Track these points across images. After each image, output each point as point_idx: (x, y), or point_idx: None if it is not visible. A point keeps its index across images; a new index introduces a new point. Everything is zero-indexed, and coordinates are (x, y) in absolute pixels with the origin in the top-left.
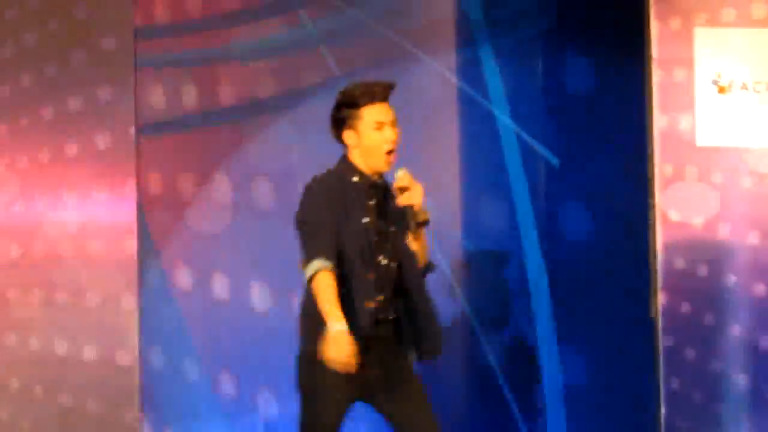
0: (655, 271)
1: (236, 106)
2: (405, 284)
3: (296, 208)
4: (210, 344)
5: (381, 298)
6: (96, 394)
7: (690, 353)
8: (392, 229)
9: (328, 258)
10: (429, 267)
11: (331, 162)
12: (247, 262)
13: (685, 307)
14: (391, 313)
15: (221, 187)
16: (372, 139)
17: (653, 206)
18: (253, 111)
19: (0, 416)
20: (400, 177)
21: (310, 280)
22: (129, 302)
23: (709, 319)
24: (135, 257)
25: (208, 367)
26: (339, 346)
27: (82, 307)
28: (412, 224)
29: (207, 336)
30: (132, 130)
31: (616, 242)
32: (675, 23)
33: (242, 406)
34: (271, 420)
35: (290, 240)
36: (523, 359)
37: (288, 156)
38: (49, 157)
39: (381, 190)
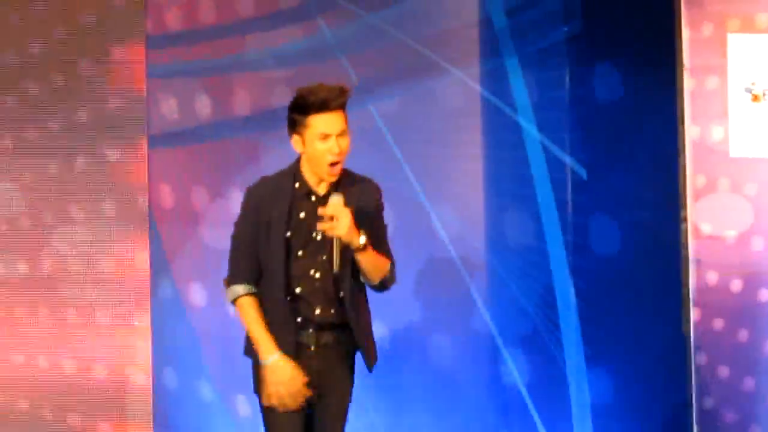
0: (687, 286)
1: (251, 116)
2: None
3: None
4: (224, 362)
5: (317, 311)
6: (107, 415)
7: (723, 371)
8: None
9: (247, 282)
10: (385, 281)
11: (358, 172)
12: None
13: (718, 324)
14: (335, 319)
15: (236, 199)
16: (316, 149)
17: (684, 219)
18: (269, 122)
19: None
20: (331, 204)
21: (232, 303)
22: (141, 319)
23: (743, 335)
24: (147, 272)
25: (223, 386)
26: (277, 376)
27: (93, 324)
28: (337, 255)
29: (221, 353)
30: (144, 142)
31: (646, 256)
32: (707, 29)
33: (258, 427)
34: None
35: None
36: (549, 377)
37: None
38: (58, 170)
39: (324, 199)
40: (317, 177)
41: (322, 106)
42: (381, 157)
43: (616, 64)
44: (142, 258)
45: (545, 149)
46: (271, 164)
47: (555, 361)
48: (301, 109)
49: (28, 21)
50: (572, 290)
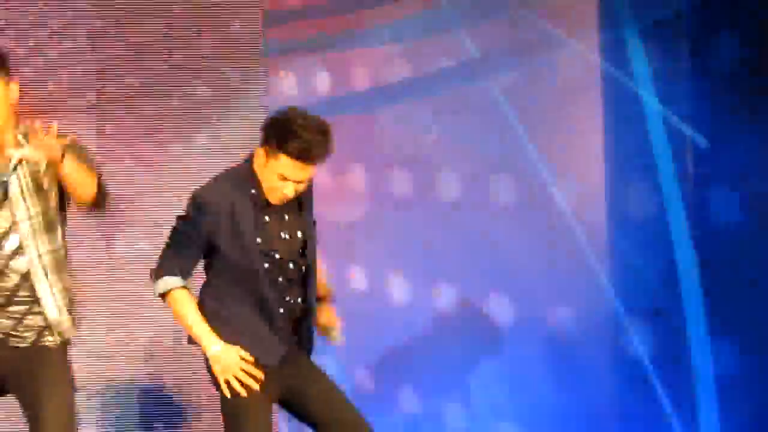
0: None
1: (370, 91)
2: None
3: (434, 195)
4: (347, 338)
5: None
6: None
7: None
8: (285, 236)
9: (183, 276)
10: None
11: (469, 148)
12: (384, 253)
13: None
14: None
15: (357, 175)
16: (272, 182)
17: None
18: (387, 97)
19: None
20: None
21: (163, 295)
22: None
23: None
24: None
25: (345, 362)
26: (226, 362)
27: None
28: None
29: (344, 329)
30: (263, 119)
31: None
32: None
33: (381, 402)
34: (411, 416)
35: (429, 229)
36: (672, 349)
37: (425, 142)
38: (178, 148)
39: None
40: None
41: (300, 156)
42: (500, 131)
43: (737, 33)
44: None
45: (666, 121)
46: (390, 139)
47: (678, 333)
48: (279, 141)
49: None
50: (694, 262)
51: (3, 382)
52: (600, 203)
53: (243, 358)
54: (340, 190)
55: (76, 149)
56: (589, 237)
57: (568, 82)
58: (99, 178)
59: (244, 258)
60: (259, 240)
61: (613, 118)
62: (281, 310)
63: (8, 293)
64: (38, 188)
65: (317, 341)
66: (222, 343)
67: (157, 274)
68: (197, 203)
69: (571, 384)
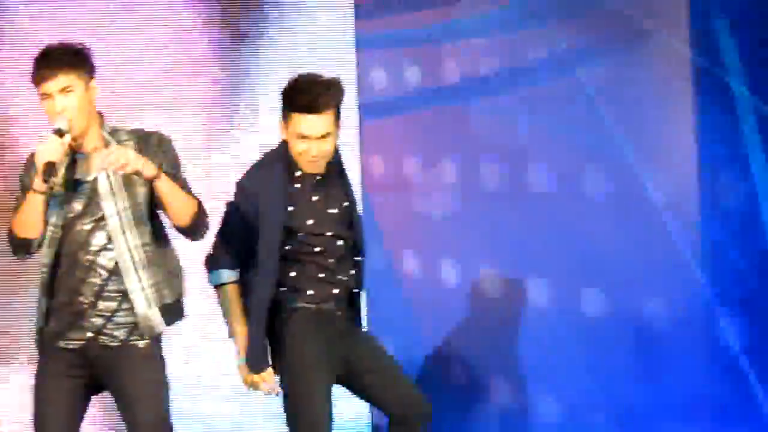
0: None
1: (461, 84)
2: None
3: (526, 188)
4: (439, 331)
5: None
6: None
7: None
8: (334, 210)
9: (234, 267)
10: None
11: (560, 140)
12: (475, 246)
13: None
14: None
15: (447, 168)
16: (294, 145)
17: None
18: (477, 89)
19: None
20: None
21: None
22: None
23: None
24: None
25: (438, 354)
26: (248, 377)
27: None
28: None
29: (435, 322)
30: (354, 112)
31: None
32: None
33: (474, 394)
34: (504, 407)
35: (520, 222)
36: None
37: (515, 134)
38: (272, 142)
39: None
40: None
41: (308, 108)
42: (591, 123)
43: None
44: None
45: (757, 110)
46: (481, 132)
47: None
48: (286, 101)
49: None
50: None
51: (97, 380)
52: (692, 194)
53: (264, 379)
54: (431, 183)
55: (174, 177)
56: (682, 229)
57: (658, 74)
58: (199, 207)
59: (291, 242)
60: (310, 222)
61: (704, 110)
62: (335, 290)
63: (97, 289)
64: (128, 183)
65: None
66: (243, 361)
67: (210, 263)
68: (236, 190)
69: (664, 376)
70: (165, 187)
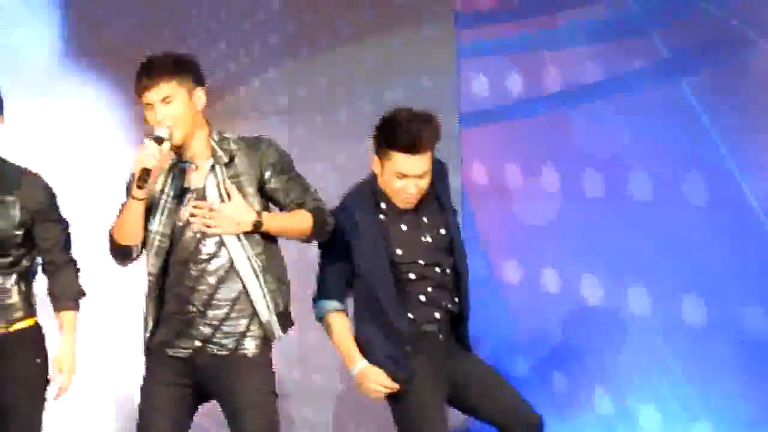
0: None
1: (562, 92)
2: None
3: (626, 197)
4: (539, 338)
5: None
6: None
7: None
8: (427, 239)
9: (336, 297)
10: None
11: (661, 148)
12: (576, 254)
13: None
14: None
15: (548, 176)
16: (391, 182)
17: None
18: (579, 97)
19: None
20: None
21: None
22: None
23: None
24: None
25: (539, 362)
26: (367, 381)
27: None
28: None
29: (536, 330)
30: (455, 120)
31: None
32: None
33: (575, 404)
34: (605, 417)
35: (621, 230)
36: None
37: (617, 143)
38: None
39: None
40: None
41: (409, 148)
42: (691, 130)
43: None
44: None
45: None
46: (582, 140)
47: None
48: (386, 139)
49: (339, 2)
50: None
51: (204, 388)
52: None
53: (381, 383)
54: (532, 192)
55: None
56: None
57: (758, 81)
58: (315, 219)
59: (381, 271)
60: (399, 252)
61: None
62: (437, 314)
63: (206, 298)
64: (242, 195)
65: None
66: (364, 362)
67: (315, 297)
68: (337, 211)
69: (760, 381)
70: (273, 227)
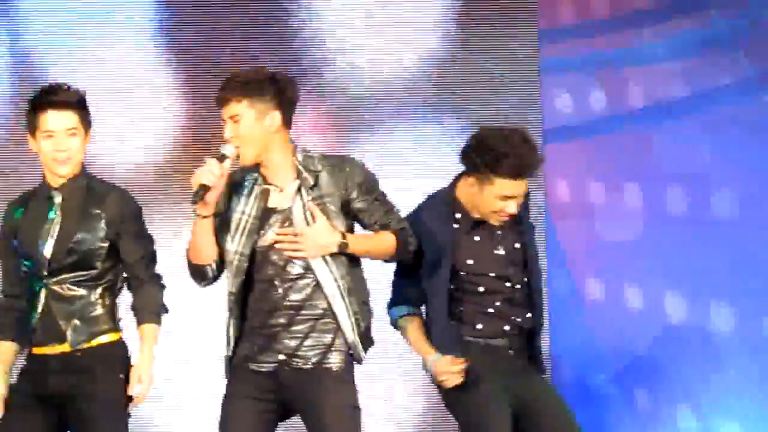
0: None
1: (645, 109)
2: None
3: (710, 214)
4: (623, 356)
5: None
6: None
7: None
8: (500, 252)
9: (408, 303)
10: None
11: (745, 166)
12: (659, 271)
13: None
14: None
15: (632, 193)
16: (493, 205)
17: None
18: (663, 114)
19: None
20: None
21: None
22: None
23: None
24: (543, 267)
25: (622, 380)
26: (441, 370)
27: None
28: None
29: (619, 348)
30: (539, 137)
31: None
32: None
33: (658, 421)
34: None
35: (704, 248)
36: None
37: (700, 160)
38: (455, 167)
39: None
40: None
41: (516, 174)
42: None
43: None
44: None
45: None
46: (665, 157)
47: None
48: (490, 166)
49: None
50: None
51: (287, 404)
52: None
53: (451, 369)
54: (615, 209)
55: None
56: None
57: None
58: (398, 240)
59: (454, 280)
60: (470, 261)
61: None
62: (506, 327)
63: (292, 314)
64: (323, 213)
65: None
66: (438, 354)
67: (389, 304)
68: (413, 219)
69: None
70: (358, 249)
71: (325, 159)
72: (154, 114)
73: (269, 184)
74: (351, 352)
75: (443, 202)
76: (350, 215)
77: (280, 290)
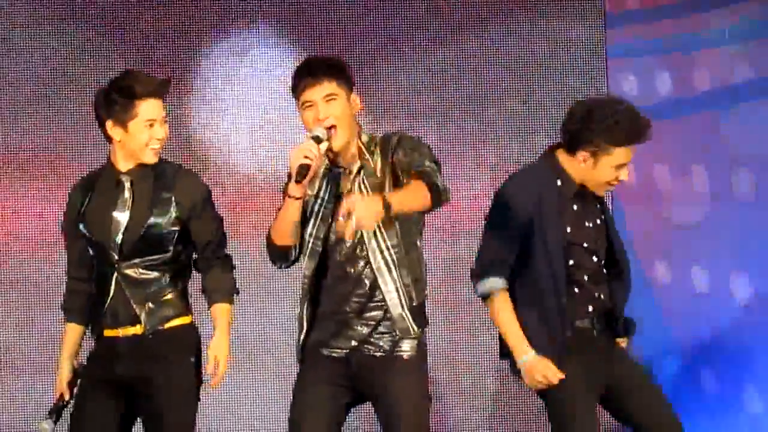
0: None
1: (712, 92)
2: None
3: None
4: (690, 338)
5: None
6: None
7: None
8: (590, 224)
9: (504, 275)
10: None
11: None
12: (726, 253)
13: None
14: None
15: (699, 176)
16: (610, 176)
17: None
18: (730, 97)
19: None
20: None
21: (484, 296)
22: None
23: None
24: None
25: (689, 361)
26: (535, 372)
27: None
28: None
29: (687, 329)
30: None
31: None
32: None
33: (725, 403)
34: (756, 417)
35: None
36: None
37: (767, 142)
38: (517, 149)
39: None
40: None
41: (636, 140)
42: None
43: None
44: None
45: None
46: (732, 140)
47: None
48: (606, 137)
49: (489, 2)
50: None
51: (358, 390)
52: None
53: (548, 375)
54: (682, 191)
55: (394, 195)
56: None
57: None
58: (429, 188)
59: (553, 250)
60: (569, 229)
61: None
62: (590, 308)
63: (364, 300)
64: (379, 191)
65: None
66: (532, 352)
67: (480, 273)
68: (505, 199)
69: None
70: (395, 201)
71: (380, 138)
72: None
73: (338, 167)
74: (396, 331)
75: (547, 169)
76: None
77: (353, 276)
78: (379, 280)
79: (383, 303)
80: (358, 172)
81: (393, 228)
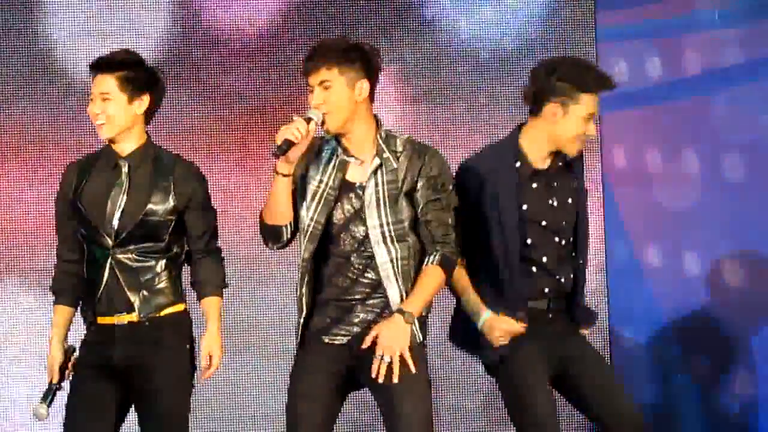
0: None
1: (702, 76)
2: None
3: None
4: (681, 322)
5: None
6: None
7: None
8: (553, 203)
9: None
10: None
11: None
12: (717, 237)
13: None
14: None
15: (688, 160)
16: (576, 129)
17: None
18: (719, 81)
19: None
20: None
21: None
22: (598, 281)
23: None
24: (602, 234)
25: (680, 344)
26: (495, 329)
27: None
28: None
29: (678, 313)
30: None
31: None
32: None
33: (717, 386)
34: (747, 400)
35: (761, 213)
36: None
37: (757, 127)
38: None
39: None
40: (546, 151)
41: (603, 84)
42: None
43: None
44: (596, 219)
45: None
46: (722, 124)
47: None
48: (575, 83)
49: None
50: None
51: (356, 375)
52: None
53: (507, 329)
54: (672, 175)
55: (413, 304)
56: None
57: None
58: (447, 272)
59: (507, 226)
60: (525, 206)
61: None
62: (546, 289)
63: (369, 290)
64: (394, 200)
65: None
66: (489, 312)
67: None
68: (459, 174)
69: None
70: (418, 308)
71: (410, 143)
72: None
73: (350, 155)
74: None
75: (506, 150)
76: (414, 203)
77: (358, 267)
78: (388, 291)
79: (386, 294)
80: (377, 168)
81: (404, 242)
